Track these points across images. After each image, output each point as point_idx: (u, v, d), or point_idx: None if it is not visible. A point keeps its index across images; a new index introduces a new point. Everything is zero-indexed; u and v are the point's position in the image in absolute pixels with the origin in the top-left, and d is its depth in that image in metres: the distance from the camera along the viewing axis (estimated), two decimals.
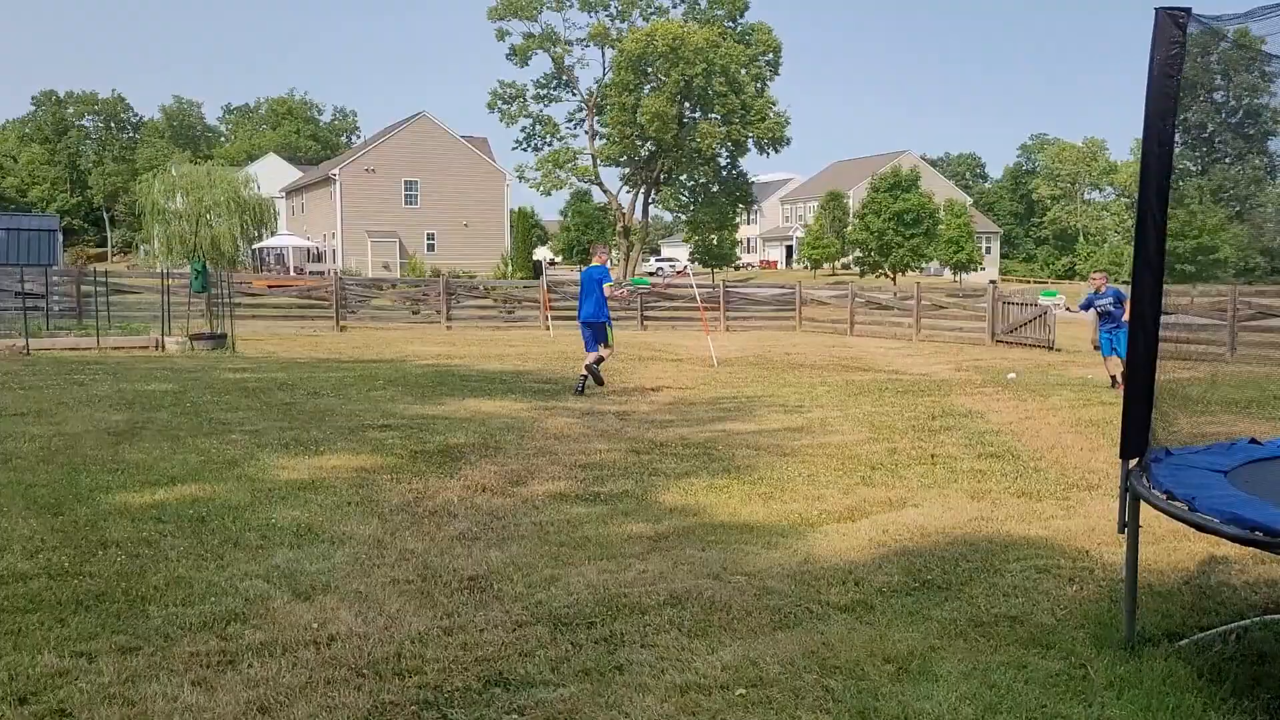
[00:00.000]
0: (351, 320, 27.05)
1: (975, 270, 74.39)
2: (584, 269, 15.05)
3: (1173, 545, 5.81)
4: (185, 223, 68.41)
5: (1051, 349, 22.47)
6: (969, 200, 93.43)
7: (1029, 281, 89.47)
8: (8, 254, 31.49)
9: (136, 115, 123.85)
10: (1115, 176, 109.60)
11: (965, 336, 25.13)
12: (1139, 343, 4.12)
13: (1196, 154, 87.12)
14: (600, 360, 13.00)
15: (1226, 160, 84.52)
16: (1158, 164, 4.08)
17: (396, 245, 66.51)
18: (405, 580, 5.23)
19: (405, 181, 68.03)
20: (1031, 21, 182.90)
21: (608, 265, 14.26)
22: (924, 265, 64.89)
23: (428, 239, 68.05)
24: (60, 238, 42.62)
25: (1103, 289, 14.65)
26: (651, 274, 69.81)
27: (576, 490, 7.33)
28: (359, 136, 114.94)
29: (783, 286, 33.30)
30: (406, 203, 68.20)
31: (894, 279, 60.47)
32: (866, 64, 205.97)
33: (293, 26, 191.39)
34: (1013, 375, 16.24)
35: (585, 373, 12.95)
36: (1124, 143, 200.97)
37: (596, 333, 13.07)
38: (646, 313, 29.37)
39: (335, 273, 36.82)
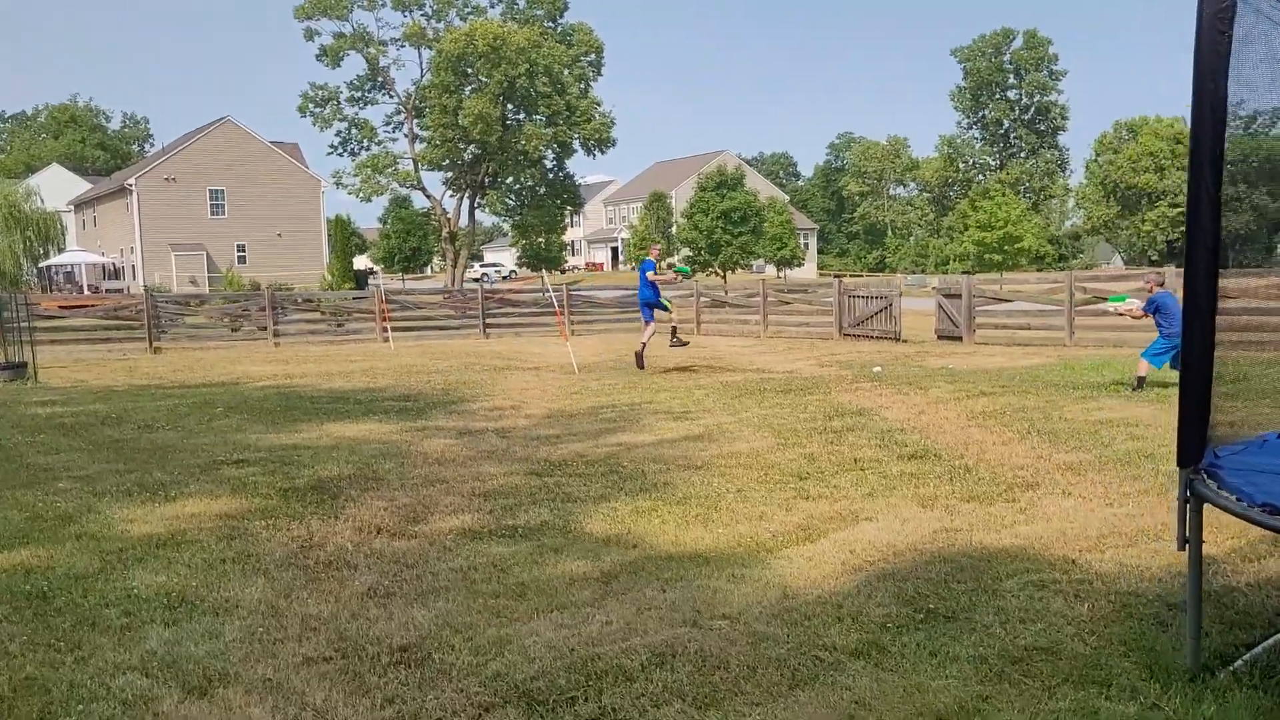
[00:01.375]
0: (165, 341, 24.85)
1: (798, 266, 76.42)
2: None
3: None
4: None
5: (899, 340, 22.78)
6: (786, 198, 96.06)
7: (862, 274, 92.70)
8: None
9: None
10: (918, 172, 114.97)
11: (813, 331, 25.26)
12: (1194, 334, 3.63)
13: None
14: (645, 344, 16.96)
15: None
16: (1211, 131, 3.59)
17: (204, 258, 62.58)
18: (321, 658, 4.25)
19: (211, 191, 64.09)
20: (838, 21, 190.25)
21: (654, 259, 16.96)
22: (752, 263, 66.00)
23: (238, 250, 64.34)
24: None
25: (1154, 291, 14.23)
26: (477, 279, 68.11)
27: (488, 525, 6.43)
28: (153, 145, 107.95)
29: (625, 289, 32.85)
30: (213, 213, 64.27)
31: (724, 277, 61.20)
32: (677, 65, 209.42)
33: (70, 26, 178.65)
34: (879, 369, 16.17)
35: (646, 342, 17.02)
36: (926, 140, 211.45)
37: (647, 310, 16.79)
38: (489, 320, 28.29)
39: (146, 289, 33.95)
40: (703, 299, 28.74)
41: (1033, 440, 8.88)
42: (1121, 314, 12.36)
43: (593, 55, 57.71)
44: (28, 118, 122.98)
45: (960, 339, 21.80)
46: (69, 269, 65.53)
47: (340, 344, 25.78)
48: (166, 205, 62.56)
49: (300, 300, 28.70)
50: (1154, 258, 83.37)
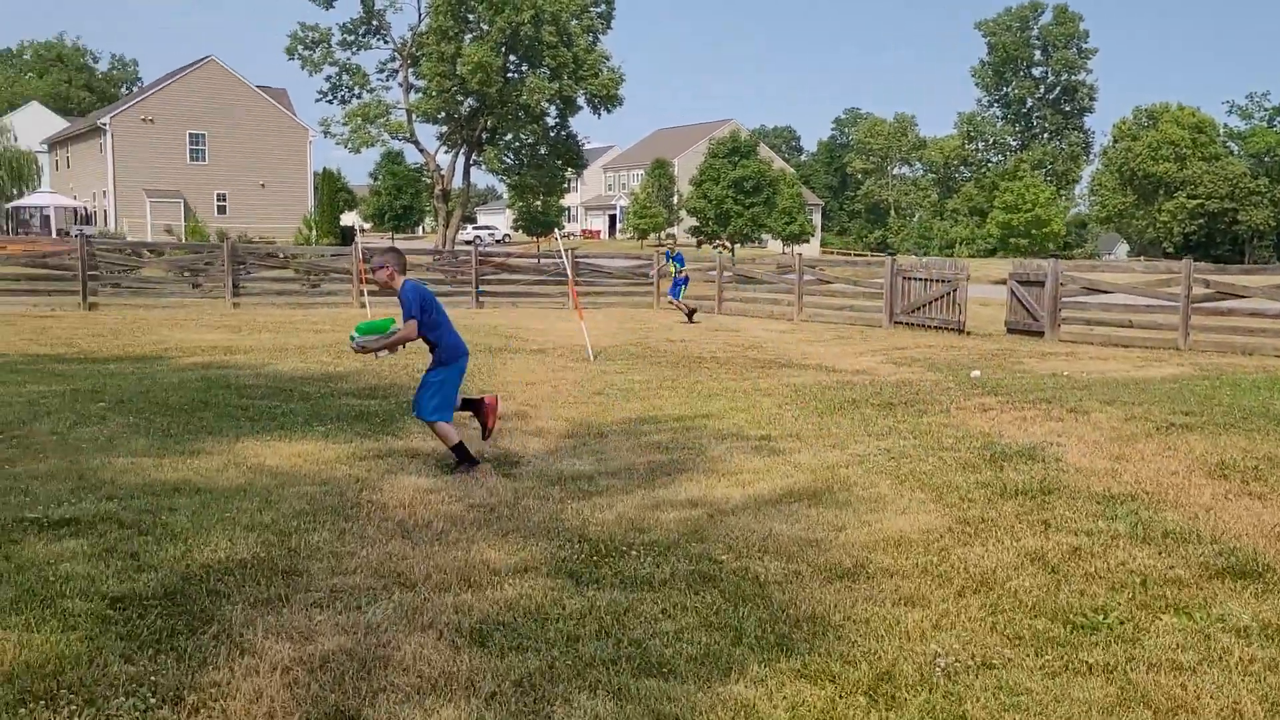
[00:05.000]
0: (109, 296, 21.28)
1: (804, 242, 72.88)
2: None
3: None
4: None
5: (962, 332, 19.40)
6: (793, 172, 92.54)
7: (849, 253, 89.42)
8: None
9: None
10: (924, 152, 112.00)
11: (858, 316, 21.83)
12: None
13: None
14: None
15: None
16: None
17: (181, 207, 58.62)
18: None
19: (191, 135, 60.06)
20: None
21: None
22: (763, 236, 62.40)
23: (218, 200, 60.41)
24: None
25: None
26: (469, 241, 64.23)
27: None
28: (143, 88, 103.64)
29: (636, 258, 29.38)
30: (193, 159, 60.26)
31: (732, 250, 57.60)
32: (683, 30, 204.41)
33: None
34: (977, 373, 12.77)
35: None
36: (933, 119, 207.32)
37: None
38: (483, 287, 24.77)
39: (79, 235, 30.22)
40: (726, 274, 25.26)
41: None
42: None
43: (602, 5, 53.63)
44: (12, 54, 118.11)
45: (1040, 334, 18.39)
46: (43, 211, 61.56)
47: (309, 308, 22.25)
48: (143, 148, 58.51)
49: (266, 255, 25.06)
50: (1169, 249, 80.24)
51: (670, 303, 22.48)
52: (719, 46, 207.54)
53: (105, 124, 58.53)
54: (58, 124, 79.13)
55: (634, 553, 4.89)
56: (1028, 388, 11.11)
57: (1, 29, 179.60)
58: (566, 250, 19.65)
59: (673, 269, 22.64)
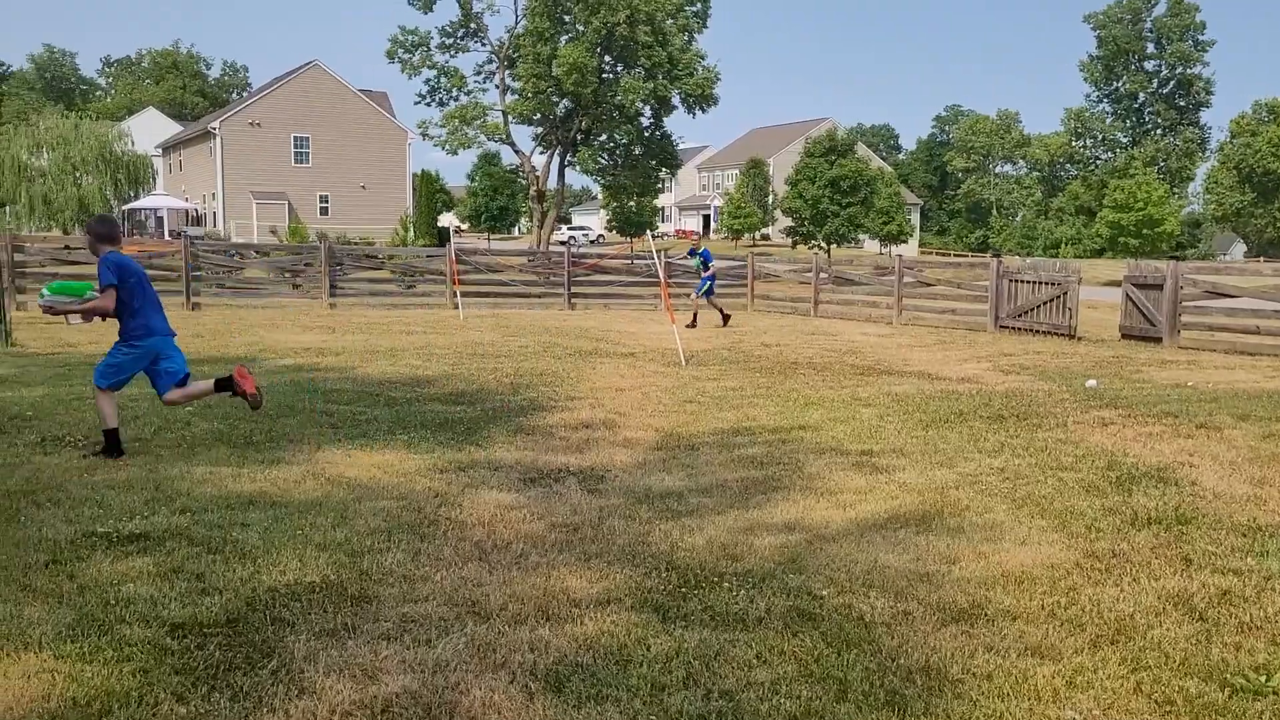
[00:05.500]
0: (212, 296, 21.70)
1: (903, 242, 71.29)
2: None
3: None
4: (50, 181, 61.02)
5: (1073, 337, 18.46)
6: (891, 171, 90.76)
7: (949, 254, 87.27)
8: None
9: (3, 65, 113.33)
10: (1029, 149, 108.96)
11: (960, 320, 21.01)
12: None
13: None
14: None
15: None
16: None
17: (285, 208, 60.13)
18: None
19: (295, 137, 61.54)
20: None
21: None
22: (860, 237, 61.20)
23: (320, 201, 61.78)
24: None
25: None
26: (563, 242, 64.35)
27: None
28: (250, 93, 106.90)
29: (731, 259, 28.91)
30: (297, 161, 61.75)
31: (828, 251, 56.59)
32: (780, 28, 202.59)
33: None
34: (1093, 383, 12.01)
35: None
36: (1038, 115, 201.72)
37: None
38: (574, 289, 24.62)
39: (184, 236, 31.03)
40: (822, 275, 24.62)
41: None
42: None
43: (698, 4, 53.24)
44: (131, 63, 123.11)
45: (1158, 340, 17.37)
46: (159, 213, 63.76)
47: (404, 309, 22.38)
48: (250, 151, 60.20)
49: (362, 256, 25.31)
50: None
51: (696, 301, 20.52)
52: (816, 44, 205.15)
53: (215, 128, 60.34)
54: (172, 128, 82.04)
55: (726, 584, 4.50)
56: (1150, 399, 10.37)
57: (123, 39, 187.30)
58: (658, 251, 19.30)
59: (695, 263, 21.14)
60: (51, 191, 60.46)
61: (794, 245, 60.14)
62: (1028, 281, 19.95)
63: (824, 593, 4.42)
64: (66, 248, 25.90)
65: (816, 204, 56.70)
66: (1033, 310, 19.62)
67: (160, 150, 74.36)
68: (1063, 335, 18.68)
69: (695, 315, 20.20)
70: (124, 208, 63.80)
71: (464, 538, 5.15)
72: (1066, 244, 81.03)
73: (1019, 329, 19.67)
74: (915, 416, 9.17)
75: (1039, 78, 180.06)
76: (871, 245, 74.39)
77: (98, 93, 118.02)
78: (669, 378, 11.72)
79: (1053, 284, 19.35)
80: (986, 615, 4.22)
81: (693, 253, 21.74)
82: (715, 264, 20.92)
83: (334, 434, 7.55)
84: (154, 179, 69.88)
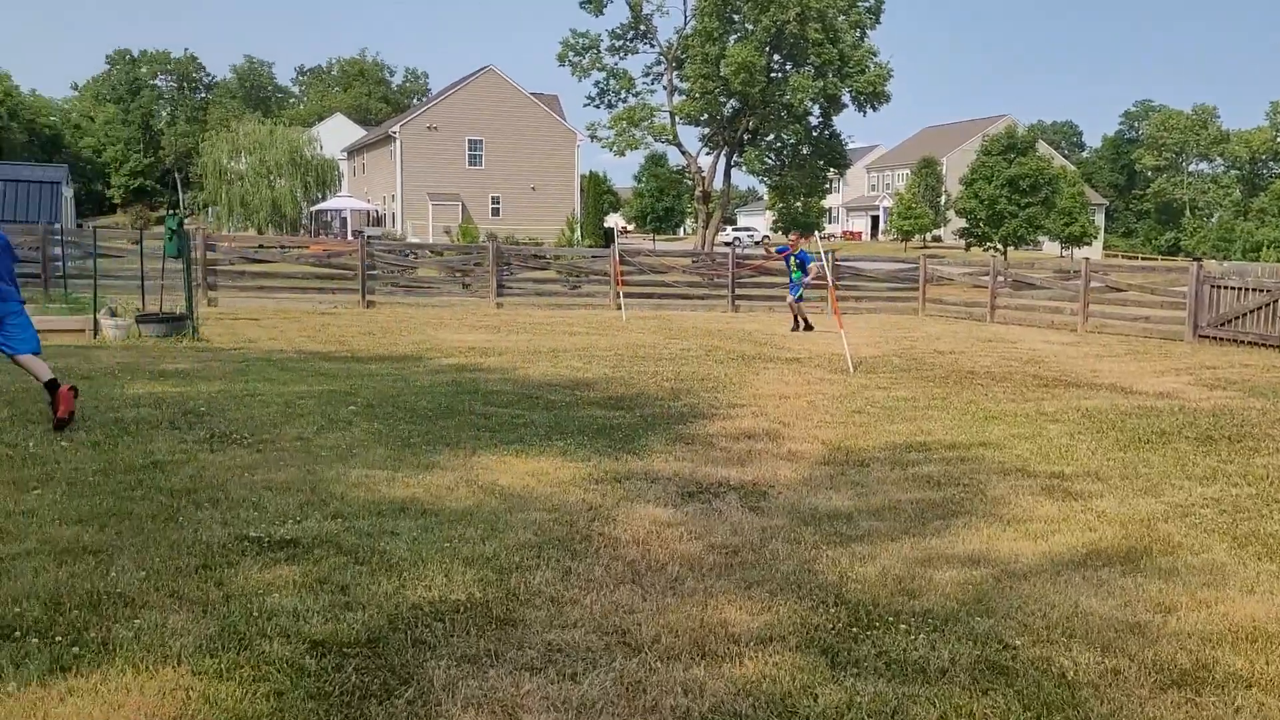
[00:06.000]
0: (385, 295, 22.32)
1: (1086, 244, 67.60)
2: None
3: None
4: (247, 183, 64.94)
5: None
6: (1074, 169, 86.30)
7: (1136, 257, 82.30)
8: (2, 208, 27.37)
9: (209, 75, 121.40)
10: (1227, 146, 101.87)
11: (1154, 329, 19.52)
12: None
13: None
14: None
15: None
16: None
17: (459, 208, 61.92)
18: None
19: (469, 141, 63.28)
20: None
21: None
22: (1039, 239, 58.31)
23: (493, 202, 63.33)
24: (67, 190, 38.34)
25: None
26: (727, 243, 63.83)
27: None
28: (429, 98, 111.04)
29: (902, 262, 27.93)
30: (470, 163, 63.48)
31: (1005, 253, 54.14)
32: (955, 23, 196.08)
33: None
34: None
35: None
36: (1237, 109, 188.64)
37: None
38: (739, 291, 24.21)
39: (361, 236, 32.12)
40: (999, 279, 23.39)
41: None
42: None
43: (871, 0, 51.85)
44: (322, 71, 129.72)
45: None
46: (341, 214, 66.89)
47: (568, 309, 22.48)
48: (427, 154, 62.27)
49: (529, 257, 25.59)
50: None
51: (792, 305, 19.20)
52: (995, 38, 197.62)
53: (395, 132, 62.70)
54: (356, 133, 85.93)
55: (902, 625, 4.04)
56: None
57: (315, 48, 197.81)
58: (826, 253, 18.67)
59: (791, 265, 19.37)
60: (248, 193, 64.30)
61: (967, 247, 57.84)
62: (1232, 288, 18.37)
63: (1017, 642, 3.90)
64: (260, 246, 27.32)
65: (993, 204, 54.32)
66: (1238, 319, 18.04)
67: (345, 154, 77.90)
68: (1272, 347, 17.08)
69: (801, 319, 18.95)
70: (312, 209, 67.14)
71: (617, 556, 4.85)
72: (1269, 246, 75.29)
73: (1221, 339, 18.12)
74: (1110, 435, 8.37)
75: (1241, 70, 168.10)
76: (1051, 247, 70.88)
77: (291, 100, 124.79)
78: (836, 385, 11.18)
79: (1261, 291, 17.73)
80: (1214, 679, 3.61)
81: (784, 251, 19.94)
82: (814, 265, 18.98)
83: (490, 438, 7.41)
84: (339, 181, 73.41)
